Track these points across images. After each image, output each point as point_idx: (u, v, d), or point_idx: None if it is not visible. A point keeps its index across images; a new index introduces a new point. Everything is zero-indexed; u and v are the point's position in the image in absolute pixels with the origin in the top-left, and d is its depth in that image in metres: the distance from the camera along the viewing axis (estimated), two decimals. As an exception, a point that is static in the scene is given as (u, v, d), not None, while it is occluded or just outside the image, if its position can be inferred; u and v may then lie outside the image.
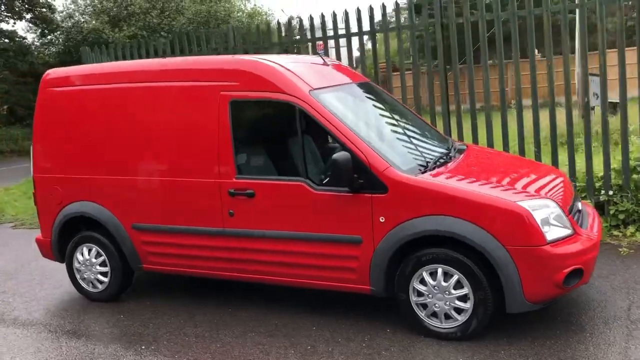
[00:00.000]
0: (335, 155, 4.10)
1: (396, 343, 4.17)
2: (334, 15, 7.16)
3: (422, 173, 4.22)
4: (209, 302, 5.17)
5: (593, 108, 11.05)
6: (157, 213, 5.00)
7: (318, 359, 4.06)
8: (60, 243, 5.50)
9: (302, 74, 4.62)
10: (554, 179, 4.61)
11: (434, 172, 4.29)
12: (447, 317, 4.11)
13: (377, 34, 7.29)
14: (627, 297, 4.55)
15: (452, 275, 4.03)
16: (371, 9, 6.94)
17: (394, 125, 4.85)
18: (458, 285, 4.03)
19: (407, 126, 5.00)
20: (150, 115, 4.97)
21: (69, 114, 5.29)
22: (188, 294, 5.43)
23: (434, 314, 4.14)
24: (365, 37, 7.38)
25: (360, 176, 4.14)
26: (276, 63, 4.65)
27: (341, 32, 7.20)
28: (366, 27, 7.07)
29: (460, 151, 4.91)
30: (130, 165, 5.05)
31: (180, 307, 5.11)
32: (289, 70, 4.59)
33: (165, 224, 4.97)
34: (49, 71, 5.59)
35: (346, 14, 7.05)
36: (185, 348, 4.36)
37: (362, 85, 5.20)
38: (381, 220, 4.15)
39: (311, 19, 7.50)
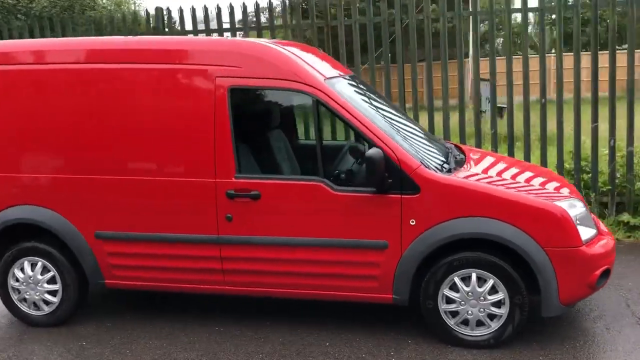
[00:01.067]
0: (369, 152, 3.69)
1: (425, 354, 3.87)
2: (205, 10, 6.99)
3: (449, 173, 3.97)
4: (188, 317, 4.49)
5: (485, 112, 11.64)
6: (128, 218, 4.22)
7: (349, 380, 3.65)
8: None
9: (311, 60, 4.16)
10: (560, 179, 4.61)
11: (460, 172, 4.06)
12: (479, 324, 3.89)
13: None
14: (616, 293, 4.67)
15: (485, 280, 3.82)
16: (244, 6, 6.93)
17: (399, 122, 4.54)
18: (492, 290, 3.83)
19: (409, 123, 4.71)
20: (122, 101, 4.16)
21: (8, 98, 4.29)
22: (156, 310, 4.68)
23: (465, 322, 3.90)
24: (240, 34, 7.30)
25: (389, 175, 3.78)
26: (282, 47, 4.12)
27: (214, 26, 7.02)
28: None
29: (460, 150, 4.74)
30: (93, 161, 4.21)
31: (154, 327, 4.37)
32: (298, 56, 4.10)
33: (139, 232, 4.22)
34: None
35: (218, 9, 6.92)
36: (185, 379, 3.71)
37: (353, 78, 4.82)
38: (412, 223, 3.82)
39: (181, 11, 7.11)
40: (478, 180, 4.00)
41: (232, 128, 3.99)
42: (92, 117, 4.20)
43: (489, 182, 3.98)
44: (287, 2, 6.96)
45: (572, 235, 3.74)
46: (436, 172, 3.85)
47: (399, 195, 3.81)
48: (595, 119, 6.24)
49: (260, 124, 4.54)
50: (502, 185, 3.99)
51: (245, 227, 4.04)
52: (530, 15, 14.52)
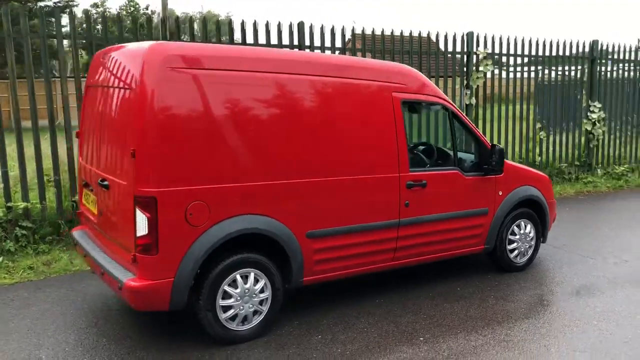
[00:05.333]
0: (498, 147, 5.48)
1: (502, 286, 5.86)
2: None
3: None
4: (352, 309, 5.10)
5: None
6: (332, 215, 4.67)
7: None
8: (197, 279, 4.07)
9: (426, 80, 5.56)
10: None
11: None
12: (522, 255, 6.13)
13: None
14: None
15: (526, 226, 6.09)
16: None
17: None
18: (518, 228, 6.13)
19: None
20: (322, 110, 4.61)
21: (203, 105, 4.06)
22: (314, 297, 5.03)
23: (512, 250, 6.05)
24: None
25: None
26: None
27: None
28: None
29: None
30: (302, 165, 4.48)
31: (335, 313, 4.86)
32: (424, 76, 5.46)
33: (341, 226, 4.72)
34: (162, 45, 3.99)
35: None
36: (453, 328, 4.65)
37: None
38: (500, 194, 5.77)
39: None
40: (517, 165, 6.23)
41: (405, 132, 5.05)
42: (300, 123, 4.47)
43: (522, 167, 6.26)
44: None
45: (552, 194, 6.41)
46: (505, 159, 5.91)
47: (494, 176, 5.70)
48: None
49: (416, 128, 5.55)
50: (525, 168, 6.34)
51: (416, 209, 5.14)
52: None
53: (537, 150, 10.90)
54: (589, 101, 11.29)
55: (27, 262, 6.06)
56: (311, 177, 4.52)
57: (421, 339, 4.43)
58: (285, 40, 7.93)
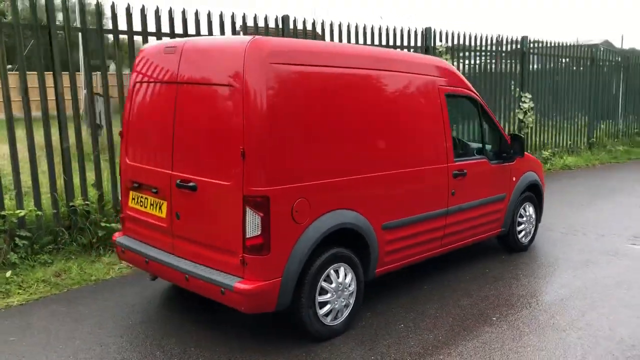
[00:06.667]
0: (519, 137, 5.92)
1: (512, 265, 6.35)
2: None
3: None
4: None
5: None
6: (401, 207, 4.81)
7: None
8: (301, 276, 4.03)
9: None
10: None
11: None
12: (527, 235, 6.65)
13: None
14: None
15: (529, 208, 6.61)
16: None
17: None
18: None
19: None
20: (394, 105, 4.75)
21: (301, 101, 4.03)
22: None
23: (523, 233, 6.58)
24: None
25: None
26: None
27: None
28: None
29: None
30: (374, 159, 4.56)
31: (397, 303, 5.01)
32: (454, 71, 5.73)
33: (407, 216, 4.88)
34: (263, 40, 3.87)
35: None
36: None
37: None
38: (513, 180, 6.22)
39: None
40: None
41: (450, 125, 5.30)
42: (379, 118, 4.56)
43: (527, 153, 6.75)
44: None
45: (543, 177, 7.00)
46: (514, 148, 6.36)
47: (510, 164, 6.13)
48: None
49: (455, 120, 5.71)
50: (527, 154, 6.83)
51: (459, 197, 5.41)
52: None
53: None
54: (521, 92, 12.29)
55: (36, 275, 5.53)
56: (386, 169, 4.63)
57: (494, 318, 4.72)
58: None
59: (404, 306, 4.93)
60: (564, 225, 7.68)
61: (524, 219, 6.52)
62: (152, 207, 4.50)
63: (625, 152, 15.06)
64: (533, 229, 6.73)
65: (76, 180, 6.49)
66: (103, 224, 6.30)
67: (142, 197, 4.60)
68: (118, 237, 4.88)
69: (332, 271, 4.24)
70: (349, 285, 4.37)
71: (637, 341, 4.28)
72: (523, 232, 6.54)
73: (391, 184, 4.68)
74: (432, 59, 5.49)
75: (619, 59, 15.90)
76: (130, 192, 4.73)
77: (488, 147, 6.06)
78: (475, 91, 5.83)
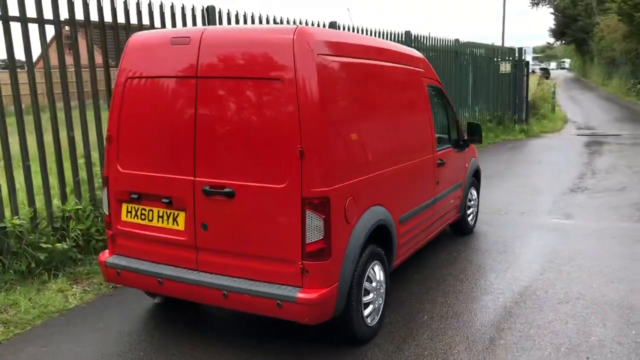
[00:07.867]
0: (476, 124, 6.21)
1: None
2: None
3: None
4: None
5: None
6: (409, 199, 4.82)
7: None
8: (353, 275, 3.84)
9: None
10: None
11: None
12: (473, 217, 7.03)
13: None
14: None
15: (474, 192, 6.99)
16: None
17: None
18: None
19: None
20: (405, 99, 4.86)
21: (345, 94, 3.86)
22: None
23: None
24: None
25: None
26: None
27: None
28: None
29: None
30: (393, 152, 4.51)
31: (401, 294, 5.01)
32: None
33: (413, 208, 4.89)
34: (309, 30, 3.59)
35: None
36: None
37: None
38: (466, 166, 6.54)
39: None
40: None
41: (432, 115, 5.41)
42: (401, 111, 4.66)
43: None
44: None
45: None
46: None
47: (463, 152, 6.43)
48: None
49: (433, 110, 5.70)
50: None
51: (440, 186, 5.54)
52: None
53: None
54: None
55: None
56: (401, 162, 4.59)
57: (490, 296, 4.94)
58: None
59: (410, 297, 4.94)
60: (483, 207, 8.25)
61: (472, 202, 6.89)
62: (161, 219, 3.95)
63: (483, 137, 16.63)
64: (476, 212, 7.14)
65: (5, 192, 5.45)
66: (44, 245, 5.38)
67: (144, 209, 4.01)
68: (108, 258, 4.21)
69: (371, 270, 4.09)
70: (384, 283, 4.26)
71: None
72: (472, 215, 6.91)
73: (404, 176, 4.66)
74: (412, 51, 5.55)
75: (475, 50, 17.40)
76: (124, 205, 4.10)
77: (453, 136, 6.30)
78: (440, 81, 6.01)
